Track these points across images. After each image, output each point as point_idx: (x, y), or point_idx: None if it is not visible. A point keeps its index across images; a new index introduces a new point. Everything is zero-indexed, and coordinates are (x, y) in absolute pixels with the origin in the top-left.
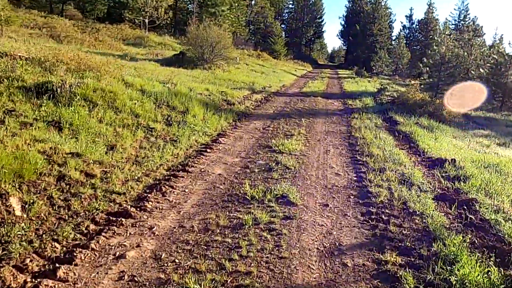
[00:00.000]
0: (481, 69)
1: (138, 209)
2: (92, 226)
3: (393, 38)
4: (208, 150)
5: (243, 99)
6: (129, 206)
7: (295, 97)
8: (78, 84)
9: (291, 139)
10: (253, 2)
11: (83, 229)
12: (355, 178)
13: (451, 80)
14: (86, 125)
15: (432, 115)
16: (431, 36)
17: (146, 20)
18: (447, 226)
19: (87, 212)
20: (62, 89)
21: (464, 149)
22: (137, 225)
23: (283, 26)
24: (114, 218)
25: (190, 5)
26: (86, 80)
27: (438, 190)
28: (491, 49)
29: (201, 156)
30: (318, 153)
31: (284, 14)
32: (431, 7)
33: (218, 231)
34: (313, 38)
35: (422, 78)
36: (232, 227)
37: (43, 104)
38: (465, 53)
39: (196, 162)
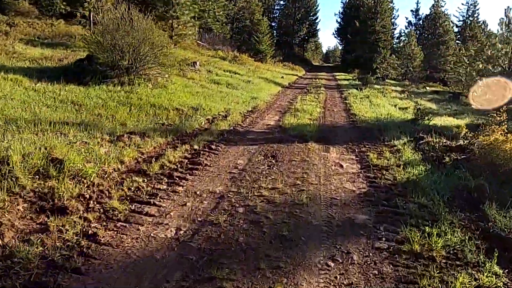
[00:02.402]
0: None
1: None
2: None
3: (396, 36)
4: None
5: (120, 179)
6: None
7: (264, 146)
8: None
9: None
10: None
11: None
12: None
13: None
14: None
15: None
16: (439, 33)
17: (89, 14)
18: None
19: None
20: None
21: None
22: None
23: (273, 24)
24: None
25: None
26: None
27: None
28: None
29: None
30: None
31: (274, 11)
32: (438, 1)
33: None
34: (306, 37)
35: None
36: None
37: None
38: None
39: None
